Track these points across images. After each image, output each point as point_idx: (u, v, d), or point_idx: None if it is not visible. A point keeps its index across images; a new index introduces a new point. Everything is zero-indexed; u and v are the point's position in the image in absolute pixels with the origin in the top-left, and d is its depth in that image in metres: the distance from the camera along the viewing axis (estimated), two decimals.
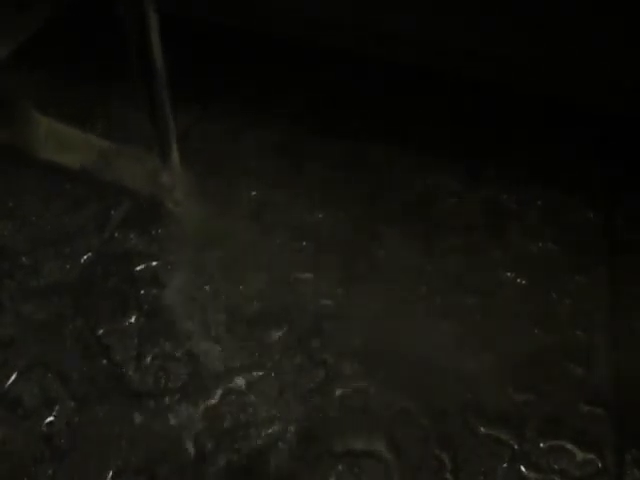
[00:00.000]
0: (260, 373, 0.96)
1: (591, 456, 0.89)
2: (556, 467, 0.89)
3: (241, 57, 1.44)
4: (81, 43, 1.44)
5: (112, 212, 1.15)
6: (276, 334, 1.00)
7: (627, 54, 1.24)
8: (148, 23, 0.96)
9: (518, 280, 1.08)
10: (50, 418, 0.92)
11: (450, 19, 1.30)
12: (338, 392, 0.95)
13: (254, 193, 1.19)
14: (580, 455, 0.90)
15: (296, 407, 0.93)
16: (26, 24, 1.47)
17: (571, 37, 1.25)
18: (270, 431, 0.91)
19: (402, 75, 1.38)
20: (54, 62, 1.41)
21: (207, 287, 1.06)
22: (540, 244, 1.13)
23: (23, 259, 1.10)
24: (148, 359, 0.97)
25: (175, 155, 1.15)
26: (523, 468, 0.88)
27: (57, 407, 0.93)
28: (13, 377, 0.96)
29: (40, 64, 1.40)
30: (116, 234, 1.12)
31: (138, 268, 1.08)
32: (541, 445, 0.90)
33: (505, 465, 0.89)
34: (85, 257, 1.10)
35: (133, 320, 1.02)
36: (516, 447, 0.90)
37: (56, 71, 1.39)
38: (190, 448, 0.89)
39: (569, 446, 0.90)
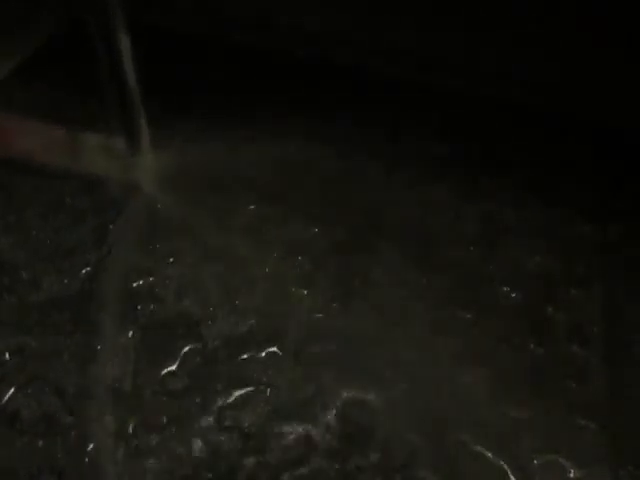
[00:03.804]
0: (255, 389, 0.97)
1: (586, 472, 0.89)
2: None
3: (240, 71, 1.45)
4: (81, 59, 1.45)
5: (110, 227, 1.16)
6: (271, 349, 1.01)
7: (627, 68, 1.24)
8: (118, 45, 0.97)
9: (514, 295, 1.08)
10: (47, 433, 0.92)
11: (448, 33, 1.31)
12: (333, 408, 0.95)
13: (252, 207, 1.20)
14: (575, 471, 0.90)
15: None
16: (28, 41, 1.49)
17: (568, 51, 1.26)
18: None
19: (400, 89, 1.39)
20: (54, 76, 1.42)
21: (203, 302, 1.06)
22: (536, 258, 1.13)
23: (22, 273, 1.11)
24: (145, 374, 0.98)
25: (151, 175, 1.17)
26: None
27: (54, 422, 0.93)
28: (11, 392, 0.96)
29: (40, 79, 1.41)
30: (114, 249, 1.13)
31: (135, 283, 1.08)
32: (535, 461, 0.90)
33: None
34: (84, 272, 1.11)
35: (130, 335, 1.02)
36: (510, 463, 0.90)
37: (56, 85, 1.40)
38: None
39: (564, 462, 0.90)
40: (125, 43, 0.99)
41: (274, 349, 1.01)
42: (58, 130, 1.28)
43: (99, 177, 1.22)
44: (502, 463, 0.90)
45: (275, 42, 1.45)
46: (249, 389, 0.96)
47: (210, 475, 0.89)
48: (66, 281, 1.09)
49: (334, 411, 0.95)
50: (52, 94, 1.39)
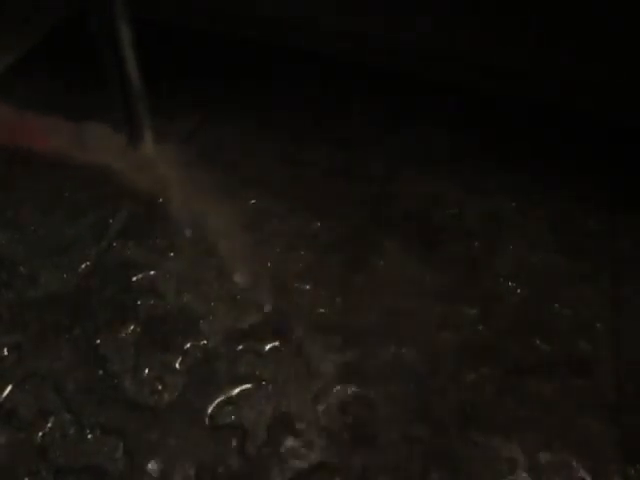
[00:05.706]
0: (256, 384, 0.95)
1: (594, 470, 0.88)
2: None
3: (241, 67, 1.44)
4: (78, 55, 1.44)
5: (110, 221, 1.15)
6: (273, 345, 0.99)
7: (627, 65, 1.24)
8: (120, 37, 0.95)
9: (519, 290, 1.07)
10: (45, 430, 0.91)
11: (448, 32, 1.31)
12: (336, 404, 0.94)
13: (253, 202, 1.19)
14: (582, 469, 0.88)
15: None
16: (26, 37, 1.48)
17: (572, 51, 1.26)
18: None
19: (402, 86, 1.38)
20: (52, 72, 1.41)
21: (204, 297, 1.05)
22: (541, 254, 1.12)
23: (21, 269, 1.10)
24: (145, 370, 0.97)
25: (152, 170, 1.17)
26: None
27: (52, 419, 0.92)
28: (9, 388, 0.95)
29: (38, 73, 1.41)
30: (114, 244, 1.12)
31: (135, 278, 1.07)
32: (543, 459, 0.89)
33: (506, 479, 0.87)
34: (83, 267, 1.09)
35: (130, 330, 1.01)
36: (517, 460, 0.89)
37: (55, 80, 1.39)
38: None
39: (572, 460, 0.89)
40: (126, 34, 0.97)
41: (276, 344, 0.99)
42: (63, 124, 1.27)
43: (101, 171, 1.20)
44: (509, 460, 0.89)
45: (277, 40, 1.44)
46: (250, 385, 0.95)
47: (212, 471, 0.87)
48: (65, 276, 1.08)
49: (336, 407, 0.93)
50: (50, 89, 1.39)
